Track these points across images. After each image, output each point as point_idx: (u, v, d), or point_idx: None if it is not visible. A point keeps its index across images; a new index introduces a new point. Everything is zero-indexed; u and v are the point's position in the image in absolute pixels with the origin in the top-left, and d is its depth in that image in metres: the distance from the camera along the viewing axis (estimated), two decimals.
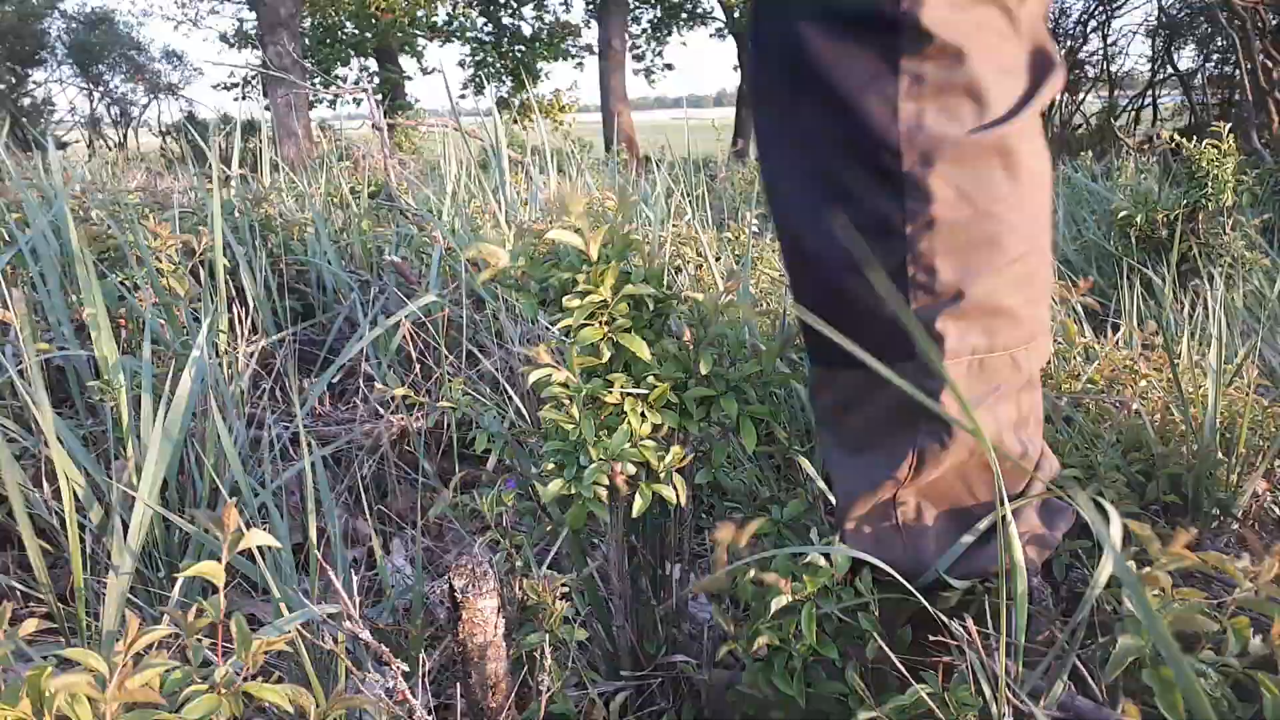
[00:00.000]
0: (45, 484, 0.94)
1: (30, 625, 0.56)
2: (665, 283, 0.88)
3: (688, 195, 2.41)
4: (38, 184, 2.03)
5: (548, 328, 1.16)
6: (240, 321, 1.53)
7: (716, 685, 0.89)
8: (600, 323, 0.85)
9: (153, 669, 0.54)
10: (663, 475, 0.85)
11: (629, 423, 0.84)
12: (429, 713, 0.73)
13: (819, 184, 0.72)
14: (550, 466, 0.85)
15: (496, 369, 1.36)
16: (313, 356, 1.62)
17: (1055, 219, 2.87)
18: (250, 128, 10.46)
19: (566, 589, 0.85)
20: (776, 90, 0.74)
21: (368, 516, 0.94)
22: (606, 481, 0.84)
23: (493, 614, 0.79)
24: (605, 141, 12.84)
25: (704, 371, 0.87)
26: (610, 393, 0.85)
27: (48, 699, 0.51)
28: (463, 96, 16.38)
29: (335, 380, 1.51)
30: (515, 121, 13.87)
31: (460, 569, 0.79)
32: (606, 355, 0.85)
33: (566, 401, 0.85)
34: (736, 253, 1.89)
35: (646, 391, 0.86)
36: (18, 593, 0.95)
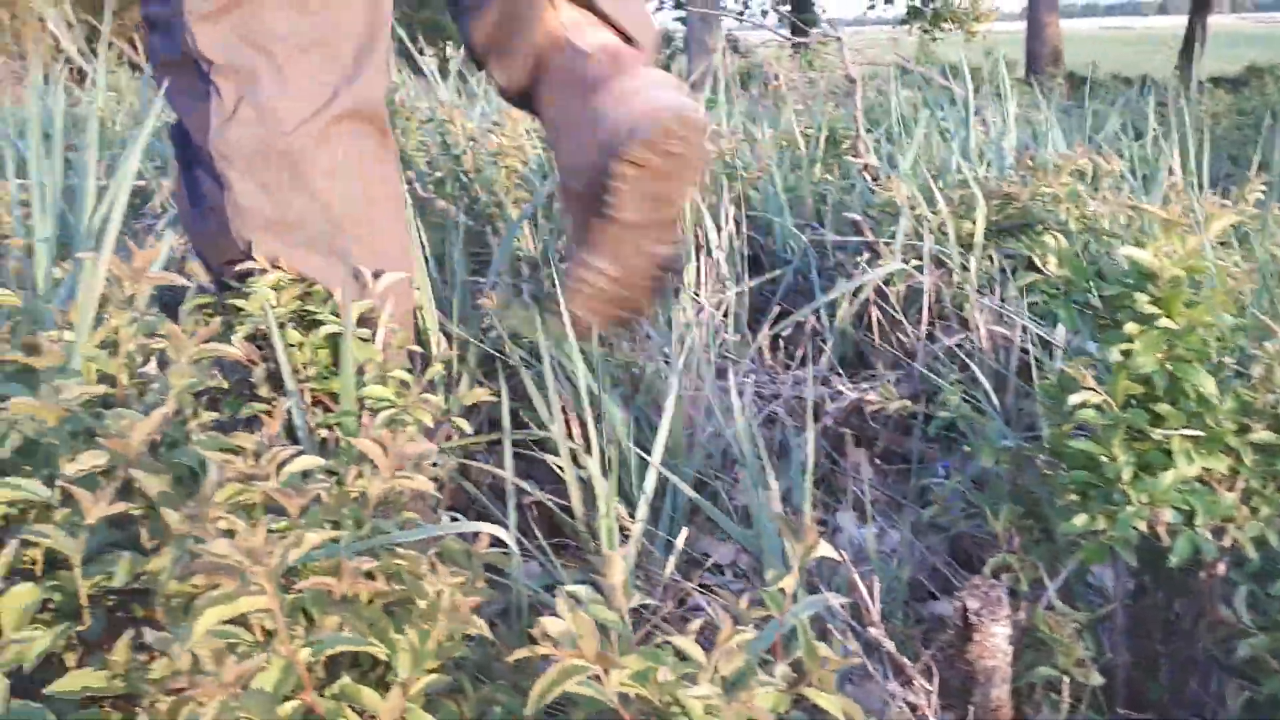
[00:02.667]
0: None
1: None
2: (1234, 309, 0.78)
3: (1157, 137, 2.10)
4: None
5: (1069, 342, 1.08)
6: (705, 272, 1.61)
7: None
8: (1158, 351, 0.78)
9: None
10: (1203, 525, 0.78)
11: (1177, 465, 0.77)
12: None
13: None
14: (1074, 498, 0.81)
15: (959, 347, 1.31)
16: (760, 312, 1.65)
17: None
18: (664, 40, 10.88)
19: (1078, 625, 0.81)
20: None
21: (863, 492, 0.95)
22: (1144, 526, 0.78)
23: (1004, 640, 0.78)
24: (1028, 56, 11.60)
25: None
26: (1157, 429, 0.78)
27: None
28: (871, 6, 15.62)
29: (785, 334, 1.54)
30: (925, 32, 12.98)
31: (974, 589, 0.79)
32: (1161, 387, 0.78)
33: (1101, 430, 0.80)
34: (1238, 226, 1.64)
35: (1200, 433, 0.78)
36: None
